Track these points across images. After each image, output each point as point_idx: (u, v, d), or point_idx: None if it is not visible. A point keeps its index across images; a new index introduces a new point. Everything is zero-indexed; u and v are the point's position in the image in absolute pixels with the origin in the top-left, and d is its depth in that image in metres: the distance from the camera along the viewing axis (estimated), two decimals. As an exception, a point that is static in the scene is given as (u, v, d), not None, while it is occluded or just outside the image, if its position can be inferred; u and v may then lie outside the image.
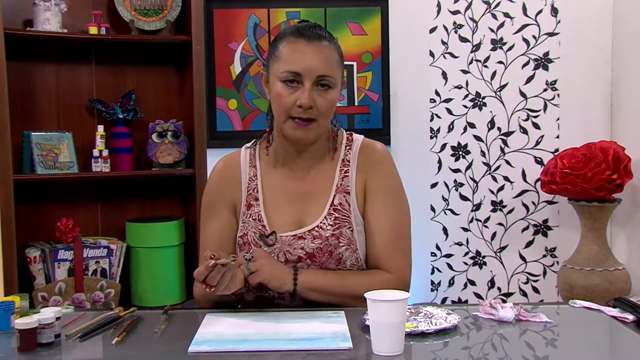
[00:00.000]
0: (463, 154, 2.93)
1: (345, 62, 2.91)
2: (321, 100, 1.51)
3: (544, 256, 2.93)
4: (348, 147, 1.63)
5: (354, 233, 1.56)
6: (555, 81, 2.88)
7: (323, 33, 1.55)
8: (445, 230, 2.96)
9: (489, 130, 2.92)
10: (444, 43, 2.92)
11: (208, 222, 1.64)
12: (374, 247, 1.57)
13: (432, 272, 2.96)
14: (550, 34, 2.87)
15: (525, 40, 2.89)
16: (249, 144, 1.70)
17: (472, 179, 2.93)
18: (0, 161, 2.43)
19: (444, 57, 2.93)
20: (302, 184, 1.61)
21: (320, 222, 1.55)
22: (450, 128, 2.94)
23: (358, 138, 1.66)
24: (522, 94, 2.90)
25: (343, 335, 1.27)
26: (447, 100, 2.93)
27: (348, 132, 1.68)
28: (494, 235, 2.94)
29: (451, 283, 2.96)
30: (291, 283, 1.49)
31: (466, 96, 2.92)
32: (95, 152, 2.69)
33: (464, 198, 2.95)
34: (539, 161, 2.90)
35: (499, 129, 2.91)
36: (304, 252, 1.54)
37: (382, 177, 1.60)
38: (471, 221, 2.95)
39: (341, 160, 1.62)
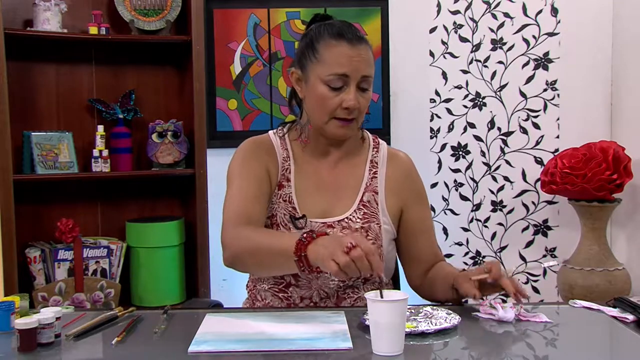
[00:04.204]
0: (463, 154, 2.93)
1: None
2: (362, 100, 1.55)
3: (544, 256, 2.93)
4: (375, 150, 1.69)
5: (381, 230, 1.59)
6: (555, 81, 2.88)
7: (360, 33, 1.59)
8: (445, 230, 2.96)
9: (489, 130, 2.92)
10: (444, 43, 2.92)
11: (240, 176, 1.55)
12: (429, 245, 1.67)
13: (432, 272, 2.96)
14: (550, 34, 2.87)
15: (525, 40, 2.89)
16: (276, 130, 1.69)
17: (472, 179, 2.93)
18: (0, 161, 2.42)
19: (444, 57, 2.93)
20: (332, 176, 1.64)
21: (350, 215, 1.58)
22: (450, 128, 2.94)
23: (383, 143, 1.73)
24: (522, 94, 2.90)
25: (343, 335, 1.27)
26: (447, 100, 2.93)
27: (373, 135, 1.74)
28: (494, 235, 2.94)
29: (451, 283, 2.96)
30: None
31: (466, 96, 2.92)
32: (95, 152, 2.68)
33: (464, 198, 2.95)
34: (539, 161, 2.90)
35: (499, 129, 2.91)
36: None
37: (418, 184, 1.70)
38: (471, 221, 2.95)
39: (369, 161, 1.67)
